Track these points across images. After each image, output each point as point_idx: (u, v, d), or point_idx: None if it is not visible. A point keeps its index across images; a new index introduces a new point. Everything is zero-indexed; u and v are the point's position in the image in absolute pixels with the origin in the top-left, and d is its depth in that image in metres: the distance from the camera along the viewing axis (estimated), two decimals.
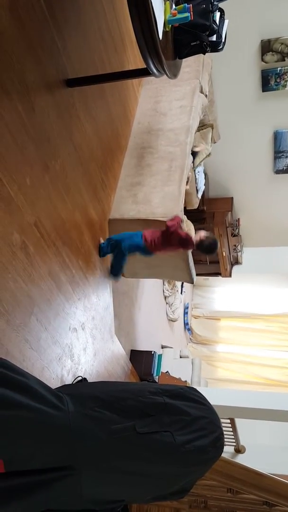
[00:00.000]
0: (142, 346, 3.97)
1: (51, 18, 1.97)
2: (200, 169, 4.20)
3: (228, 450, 4.19)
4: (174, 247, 2.64)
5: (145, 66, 2.00)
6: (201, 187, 4.33)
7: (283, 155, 4.94)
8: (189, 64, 3.48)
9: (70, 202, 2.26)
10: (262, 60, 4.15)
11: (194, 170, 3.89)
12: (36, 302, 1.91)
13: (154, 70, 2.02)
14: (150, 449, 1.33)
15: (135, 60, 3.10)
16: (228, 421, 3.90)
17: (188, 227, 2.88)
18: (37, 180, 1.90)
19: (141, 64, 2.09)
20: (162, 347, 4.85)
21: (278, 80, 4.26)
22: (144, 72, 2.17)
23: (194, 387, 2.34)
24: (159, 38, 1.84)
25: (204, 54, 2.32)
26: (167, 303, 5.30)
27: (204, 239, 2.63)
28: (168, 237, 2.58)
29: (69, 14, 2.15)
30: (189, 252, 3.06)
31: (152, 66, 1.97)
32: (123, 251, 2.65)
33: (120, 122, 3.06)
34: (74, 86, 2.22)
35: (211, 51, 2.31)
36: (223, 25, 2.33)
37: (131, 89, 3.30)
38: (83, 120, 2.40)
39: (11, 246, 1.72)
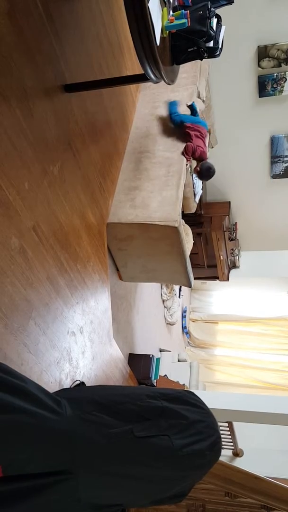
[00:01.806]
0: (140, 350, 3.97)
1: (49, 24, 1.98)
2: None
3: (226, 454, 4.19)
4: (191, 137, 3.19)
5: (143, 72, 2.02)
6: (199, 192, 4.35)
7: (279, 160, 4.97)
8: (186, 70, 3.51)
9: (69, 206, 2.27)
10: (259, 66, 4.18)
11: (192, 175, 3.91)
12: (34, 306, 1.92)
13: (152, 76, 2.04)
14: (148, 453, 1.34)
15: (132, 66, 3.13)
16: (226, 424, 3.90)
17: (186, 231, 2.90)
18: (35, 185, 1.91)
19: (138, 70, 2.11)
20: (160, 350, 4.85)
21: (274, 86, 4.29)
22: (141, 78, 2.18)
23: (192, 390, 2.35)
24: (156, 44, 1.86)
25: (201, 60, 2.34)
26: (165, 307, 5.31)
27: (200, 167, 3.39)
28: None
29: (67, 20, 2.17)
30: (187, 256, 3.08)
31: (149, 71, 1.99)
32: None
33: (118, 127, 3.08)
34: (72, 92, 2.23)
35: (208, 57, 2.34)
36: (220, 31, 2.36)
37: (129, 94, 3.32)
38: (81, 125, 2.41)
39: (10, 250, 1.72)
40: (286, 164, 5.01)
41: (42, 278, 1.99)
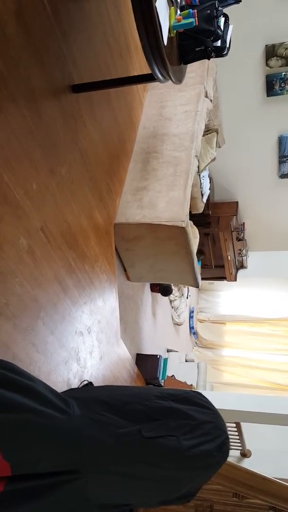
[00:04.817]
0: (148, 350, 3.97)
1: (57, 24, 1.99)
2: (205, 173, 4.21)
3: (234, 454, 4.17)
4: None
5: (150, 72, 2.01)
6: (206, 192, 4.34)
7: (287, 159, 4.94)
8: (193, 69, 3.50)
9: (76, 206, 2.28)
10: (267, 65, 4.16)
11: (199, 175, 3.90)
12: (42, 306, 1.92)
13: (159, 76, 2.03)
14: (156, 454, 1.33)
15: (140, 66, 3.13)
16: (234, 425, 3.88)
17: (194, 233, 2.90)
18: (43, 185, 1.92)
19: (146, 70, 2.10)
20: (168, 351, 4.85)
21: (282, 85, 4.27)
22: (149, 78, 2.18)
23: (200, 391, 2.34)
24: (164, 44, 1.85)
25: (209, 59, 2.33)
26: (172, 307, 5.30)
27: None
28: None
29: (75, 20, 2.18)
30: (195, 256, 3.07)
31: (157, 71, 1.99)
32: None
33: (125, 127, 3.08)
34: (80, 92, 2.24)
35: (216, 56, 2.32)
36: (227, 31, 2.34)
37: (136, 94, 3.32)
38: (88, 125, 2.41)
39: (18, 251, 1.73)
40: None
41: (50, 278, 1.99)
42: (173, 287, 5.19)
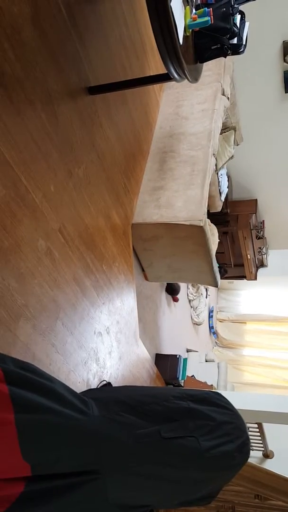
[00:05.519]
0: (167, 350, 3.96)
1: (73, 27, 2.00)
2: (223, 171, 4.19)
3: (256, 455, 4.12)
4: None
5: (166, 71, 2.01)
6: (224, 190, 4.31)
7: None
8: (210, 67, 3.48)
9: (94, 207, 2.29)
10: (285, 61, 4.11)
11: (217, 173, 3.88)
12: (61, 306, 1.94)
13: (175, 75, 2.03)
14: (175, 454, 1.33)
15: (156, 66, 3.12)
16: (256, 426, 3.84)
17: (212, 231, 2.88)
18: (61, 187, 1.94)
19: (162, 70, 2.10)
20: (187, 351, 4.83)
21: None
22: (165, 77, 2.18)
23: (221, 391, 2.32)
24: (179, 43, 1.85)
25: (225, 57, 2.31)
26: (191, 307, 5.28)
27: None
28: None
29: (90, 22, 2.19)
30: (213, 255, 3.05)
31: (173, 71, 1.98)
32: None
33: (142, 127, 3.08)
34: (96, 94, 2.25)
35: (232, 54, 2.30)
36: (243, 28, 2.32)
37: (153, 94, 3.31)
38: (105, 127, 2.42)
39: (37, 252, 1.75)
40: None
41: (69, 279, 2.01)
42: (190, 286, 5.18)
